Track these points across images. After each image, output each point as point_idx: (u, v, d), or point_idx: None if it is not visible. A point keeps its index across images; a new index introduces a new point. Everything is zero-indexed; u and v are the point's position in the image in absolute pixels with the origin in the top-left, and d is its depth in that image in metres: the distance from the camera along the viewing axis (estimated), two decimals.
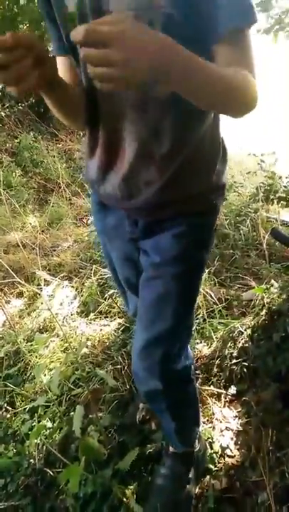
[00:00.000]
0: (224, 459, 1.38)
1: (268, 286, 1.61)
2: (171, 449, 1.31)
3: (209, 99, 0.69)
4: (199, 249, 0.97)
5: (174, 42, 0.57)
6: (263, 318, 1.47)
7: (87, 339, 1.90)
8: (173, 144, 0.82)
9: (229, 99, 0.71)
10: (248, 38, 0.75)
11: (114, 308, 2.08)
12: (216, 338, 1.76)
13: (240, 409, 1.48)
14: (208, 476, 1.34)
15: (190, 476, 1.27)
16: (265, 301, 1.50)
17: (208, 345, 1.80)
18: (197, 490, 1.30)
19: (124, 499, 1.26)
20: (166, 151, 0.82)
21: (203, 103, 0.69)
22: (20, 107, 5.80)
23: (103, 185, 0.94)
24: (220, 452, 1.40)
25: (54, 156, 4.37)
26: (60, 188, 3.83)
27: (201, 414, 1.51)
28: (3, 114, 5.34)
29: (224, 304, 2.04)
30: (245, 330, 1.57)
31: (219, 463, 1.38)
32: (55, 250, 2.87)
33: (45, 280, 2.37)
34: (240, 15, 0.72)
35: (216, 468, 1.36)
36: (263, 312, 1.48)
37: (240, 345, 1.56)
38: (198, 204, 0.92)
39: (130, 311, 1.30)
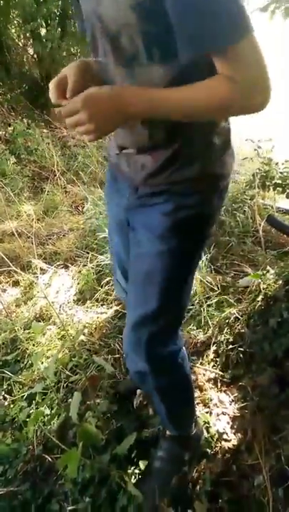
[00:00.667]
0: (221, 443, 1.40)
1: (264, 272, 1.61)
2: (167, 432, 1.33)
3: (174, 119, 0.79)
4: (185, 233, 0.96)
5: (129, 93, 0.77)
6: (259, 304, 1.47)
7: (84, 327, 1.90)
8: (165, 136, 0.88)
9: (193, 116, 0.80)
10: (236, 51, 0.71)
11: (110, 295, 2.08)
12: (212, 324, 1.76)
13: (236, 394, 1.49)
14: (204, 460, 1.35)
15: (186, 458, 1.30)
16: (262, 287, 1.50)
17: (204, 331, 1.81)
18: (194, 473, 1.32)
19: (123, 484, 1.27)
20: (158, 142, 0.89)
21: (171, 120, 0.80)
22: (13, 94, 5.72)
23: (115, 160, 1.06)
24: (216, 436, 1.42)
25: (49, 144, 4.32)
26: (55, 175, 3.80)
27: (197, 399, 1.53)
28: None
29: (220, 290, 2.05)
30: (241, 316, 1.58)
31: (216, 447, 1.39)
32: (50, 239, 2.86)
33: (41, 269, 2.36)
34: (209, 40, 0.70)
35: (212, 452, 1.38)
36: (259, 298, 1.48)
37: (237, 331, 1.57)
38: (187, 188, 0.93)
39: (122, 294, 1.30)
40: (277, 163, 2.89)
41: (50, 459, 1.44)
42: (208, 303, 1.94)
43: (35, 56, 6.08)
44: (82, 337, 1.71)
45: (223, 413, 1.48)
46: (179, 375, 1.16)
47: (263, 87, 0.74)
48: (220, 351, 1.61)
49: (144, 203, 0.99)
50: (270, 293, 1.47)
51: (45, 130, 4.84)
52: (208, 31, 0.69)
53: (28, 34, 5.87)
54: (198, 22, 0.69)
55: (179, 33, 0.72)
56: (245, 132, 3.28)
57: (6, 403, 1.72)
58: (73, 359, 1.65)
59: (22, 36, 6.18)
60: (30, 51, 6.24)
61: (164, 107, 0.77)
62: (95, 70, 0.89)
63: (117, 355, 1.70)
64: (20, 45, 6.35)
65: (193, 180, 0.92)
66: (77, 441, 1.33)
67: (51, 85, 0.83)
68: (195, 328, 1.79)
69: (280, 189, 2.86)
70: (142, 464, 1.34)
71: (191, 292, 1.10)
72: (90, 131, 0.76)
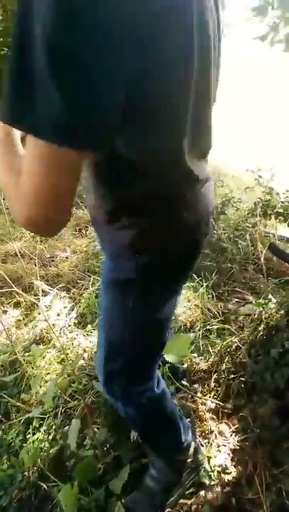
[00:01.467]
0: (221, 475, 1.37)
1: (266, 301, 1.61)
2: None
3: None
4: (122, 292, 0.92)
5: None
6: (261, 333, 1.47)
7: (84, 351, 1.89)
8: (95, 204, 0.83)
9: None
10: (38, 152, 0.50)
11: None
12: (214, 352, 1.75)
13: (237, 425, 1.47)
14: (203, 492, 1.32)
15: (177, 481, 1.31)
16: (263, 317, 1.51)
17: (205, 359, 1.80)
18: (193, 505, 1.29)
19: None
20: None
21: None
22: None
23: None
24: (216, 468, 1.39)
25: None
26: None
27: (197, 429, 1.51)
28: None
29: (221, 317, 2.05)
30: (242, 345, 1.57)
31: (216, 479, 1.37)
32: (53, 261, 2.87)
33: (42, 290, 2.36)
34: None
35: (212, 484, 1.35)
36: (261, 327, 1.48)
37: (238, 360, 1.56)
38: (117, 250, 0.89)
39: None
40: (278, 194, 2.94)
41: (46, 487, 1.41)
42: (208, 328, 1.93)
43: None
44: (81, 361, 1.70)
45: (223, 445, 1.45)
46: (143, 411, 1.13)
47: (29, 208, 0.55)
48: (221, 380, 1.60)
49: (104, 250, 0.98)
50: (271, 322, 1.47)
51: None
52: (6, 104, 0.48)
53: None
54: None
55: None
56: (245, 162, 3.34)
57: (3, 427, 1.69)
58: (72, 385, 1.63)
59: None
60: None
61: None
62: None
63: None
64: None
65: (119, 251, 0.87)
66: (75, 476, 1.31)
67: None
68: (196, 355, 1.78)
69: (282, 218, 2.90)
70: None
71: (158, 345, 1.05)
72: None
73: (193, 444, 1.36)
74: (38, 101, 0.45)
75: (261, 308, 1.57)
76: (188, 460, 1.34)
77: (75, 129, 0.47)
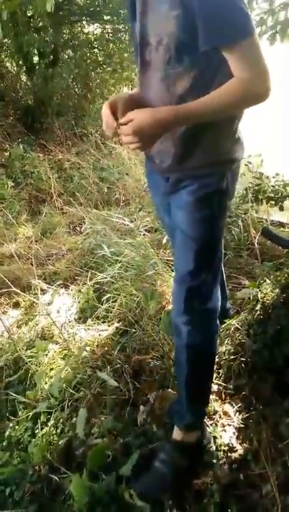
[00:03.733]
0: (227, 453, 1.40)
1: (261, 282, 1.64)
2: (174, 434, 1.36)
3: (207, 121, 1.06)
4: (207, 204, 1.18)
5: (167, 114, 1.01)
6: (258, 313, 1.50)
7: (86, 344, 1.92)
8: (184, 130, 1.10)
9: (222, 114, 1.06)
10: (243, 48, 0.95)
11: (111, 312, 2.10)
12: None
13: (240, 404, 1.50)
14: (212, 471, 1.35)
15: (186, 465, 1.33)
16: (259, 297, 1.53)
17: None
18: (202, 485, 1.31)
19: (131, 500, 1.27)
20: (178, 135, 1.11)
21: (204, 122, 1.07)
22: (8, 120, 5.85)
23: (150, 153, 1.26)
24: (223, 447, 1.42)
25: (45, 167, 4.40)
26: (52, 198, 3.86)
27: None
28: None
29: None
30: (241, 326, 1.60)
31: (222, 457, 1.39)
32: (49, 259, 2.89)
33: (41, 289, 2.38)
34: (219, 36, 0.95)
35: (219, 463, 1.38)
36: (258, 307, 1.51)
37: (237, 341, 1.59)
38: (205, 171, 1.16)
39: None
40: (268, 177, 2.96)
41: (57, 479, 1.44)
42: None
43: (28, 83, 6.25)
44: (85, 353, 1.72)
45: (228, 424, 1.48)
46: (210, 336, 1.31)
47: (267, 79, 0.98)
48: (222, 363, 1.62)
49: (175, 189, 1.22)
50: (268, 301, 1.49)
51: (40, 154, 4.94)
52: (226, 27, 0.94)
53: (20, 62, 6.05)
54: (218, 20, 0.93)
55: (201, 29, 0.94)
56: None
57: (11, 424, 1.72)
58: (77, 376, 1.66)
59: (15, 64, 6.35)
60: (24, 78, 6.42)
61: (196, 117, 1.03)
62: (135, 97, 1.17)
63: (119, 369, 1.71)
64: (13, 72, 6.53)
65: (210, 165, 1.16)
66: (86, 464, 1.34)
67: (104, 107, 1.13)
68: None
69: (273, 202, 2.92)
70: None
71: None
72: (138, 147, 1.05)
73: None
74: (248, 17, 0.94)
75: (257, 289, 1.59)
76: (196, 442, 1.37)
77: (253, 27, 0.96)
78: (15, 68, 6.41)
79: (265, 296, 1.53)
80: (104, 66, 6.65)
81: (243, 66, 0.97)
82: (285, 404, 1.37)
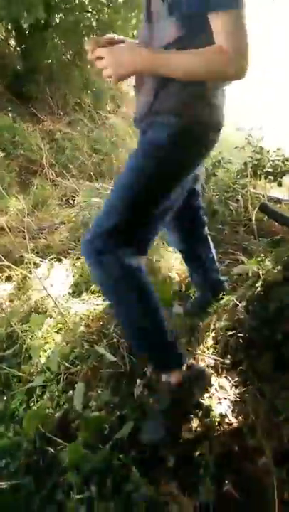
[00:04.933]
0: (223, 426, 1.42)
1: (263, 258, 1.63)
2: (163, 377, 1.40)
3: (172, 76, 1.10)
4: (149, 156, 1.22)
5: (140, 51, 1.11)
6: (259, 289, 1.49)
7: (81, 318, 1.90)
8: (155, 88, 1.19)
9: (192, 75, 1.08)
10: (229, 19, 0.99)
11: None
12: (211, 311, 1.78)
13: (236, 379, 1.51)
14: (207, 442, 1.37)
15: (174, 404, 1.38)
16: (260, 273, 1.53)
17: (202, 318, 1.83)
18: (198, 456, 1.33)
19: (126, 471, 1.28)
20: (151, 84, 1.20)
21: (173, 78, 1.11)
22: None
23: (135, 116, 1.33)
24: (218, 419, 1.44)
25: (35, 137, 4.28)
26: (43, 169, 3.77)
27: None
28: None
29: None
30: (240, 302, 1.60)
31: (218, 430, 1.41)
32: (42, 233, 2.85)
33: (34, 263, 2.35)
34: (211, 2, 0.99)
35: (215, 435, 1.40)
36: (259, 284, 1.50)
37: (236, 317, 1.59)
38: (163, 119, 1.20)
39: None
40: (268, 152, 2.92)
41: (52, 451, 1.45)
42: None
43: (17, 48, 6.01)
44: (81, 328, 1.71)
45: (224, 398, 1.49)
46: (123, 285, 1.23)
47: (244, 58, 1.02)
48: (219, 338, 1.63)
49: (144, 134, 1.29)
50: (269, 278, 1.49)
51: (31, 124, 4.79)
52: None
53: (9, 26, 5.79)
54: None
55: None
56: (236, 121, 3.29)
57: (5, 398, 1.72)
58: (74, 350, 1.65)
59: (3, 28, 6.08)
60: (13, 43, 6.16)
61: (164, 67, 1.08)
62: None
63: (117, 345, 1.71)
64: (2, 37, 6.26)
65: (168, 113, 1.19)
66: (81, 431, 1.35)
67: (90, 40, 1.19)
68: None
69: (272, 178, 2.89)
70: (143, 448, 1.35)
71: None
72: (110, 73, 1.11)
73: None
74: None
75: (258, 266, 1.58)
76: (177, 382, 1.38)
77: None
78: (3, 33, 6.14)
79: (266, 273, 1.52)
80: (98, 32, 6.40)
81: (223, 36, 1.00)
82: (282, 379, 1.38)
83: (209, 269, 1.80)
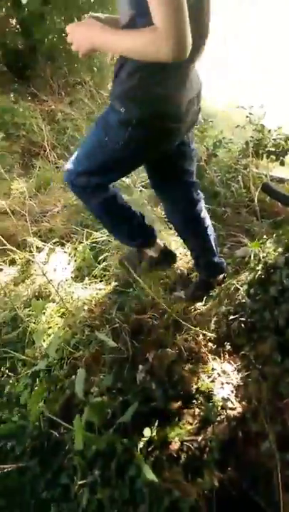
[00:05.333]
0: (226, 411, 1.39)
1: (264, 241, 1.57)
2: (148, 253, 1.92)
3: (118, 53, 1.22)
4: (102, 128, 1.38)
5: (97, 29, 1.15)
6: (259, 273, 1.43)
7: (84, 303, 1.86)
8: (115, 72, 1.29)
9: (130, 53, 1.11)
10: (166, 2, 0.94)
11: (108, 271, 2.03)
12: (212, 295, 1.73)
13: (239, 363, 1.48)
14: (210, 428, 1.35)
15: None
16: (261, 256, 1.46)
17: (204, 303, 1.79)
18: (201, 442, 1.31)
19: (130, 456, 1.26)
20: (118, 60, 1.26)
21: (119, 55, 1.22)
22: None
23: None
24: (221, 404, 1.41)
25: (37, 118, 4.14)
26: (45, 151, 3.66)
27: (200, 370, 1.50)
28: None
29: None
30: (241, 286, 1.54)
31: (221, 415, 1.39)
32: (45, 216, 2.78)
33: (36, 247, 2.29)
34: None
35: (218, 420, 1.37)
36: (260, 267, 1.44)
37: (237, 301, 1.54)
38: (118, 101, 1.29)
39: None
40: (269, 131, 2.80)
41: (57, 435, 1.43)
42: None
43: (17, 27, 5.76)
44: (82, 313, 1.67)
45: (226, 382, 1.46)
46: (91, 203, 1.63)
47: (179, 39, 0.97)
48: (221, 322, 1.58)
49: None
50: (270, 261, 1.43)
51: (32, 104, 4.64)
52: None
53: (9, 3, 5.53)
54: None
55: None
56: (236, 99, 3.15)
57: (11, 381, 1.70)
58: (75, 336, 1.62)
59: (3, 6, 5.82)
60: (13, 22, 5.91)
61: (109, 44, 1.16)
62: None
63: (119, 330, 1.67)
64: (2, 14, 6.00)
65: (121, 97, 1.27)
66: (84, 416, 1.32)
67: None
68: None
69: (274, 157, 2.79)
70: (146, 432, 1.33)
71: None
72: (74, 47, 1.23)
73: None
74: None
75: (259, 248, 1.52)
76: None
77: None
78: (3, 10, 5.87)
79: (267, 256, 1.46)
80: (96, 8, 6.11)
81: (157, 17, 0.97)
82: (285, 363, 1.34)
83: (207, 251, 1.75)
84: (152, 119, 1.28)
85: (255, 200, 2.52)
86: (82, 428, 1.21)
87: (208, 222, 1.75)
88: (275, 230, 2.30)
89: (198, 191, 1.70)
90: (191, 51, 1.02)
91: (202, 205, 1.71)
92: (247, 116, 2.92)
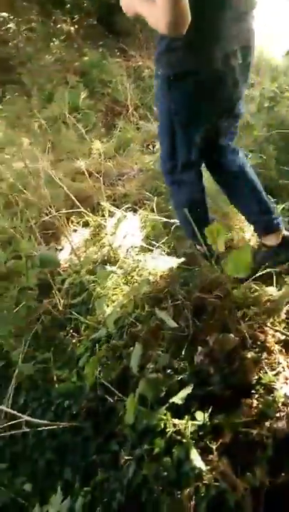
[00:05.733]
0: (287, 408, 1.30)
1: None
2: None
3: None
4: (161, 95, 1.44)
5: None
6: None
7: (150, 273, 1.83)
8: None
9: (150, 24, 1.19)
10: None
11: (178, 243, 1.96)
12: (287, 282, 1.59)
13: None
14: (268, 422, 1.27)
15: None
16: None
17: (278, 287, 1.65)
18: (256, 435, 1.24)
19: (179, 437, 1.24)
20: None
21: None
22: (89, 21, 5.37)
23: None
24: (283, 401, 1.31)
25: (122, 75, 4.04)
26: (128, 111, 3.58)
27: (264, 361, 1.41)
28: (72, 28, 5.00)
29: None
30: None
31: (281, 411, 1.30)
32: (120, 179, 2.75)
33: (109, 211, 2.29)
34: None
35: (277, 416, 1.28)
36: None
37: None
38: (158, 58, 1.37)
39: None
40: None
41: (111, 400, 1.46)
42: None
43: None
44: (146, 286, 1.63)
45: None
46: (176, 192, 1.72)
47: (171, 15, 1.03)
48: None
49: None
50: None
51: (119, 60, 4.53)
52: None
53: None
54: None
55: None
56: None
57: (74, 341, 1.76)
58: (136, 310, 1.60)
59: None
60: None
61: (139, 11, 1.25)
62: None
63: (180, 305, 1.61)
64: None
65: (157, 60, 1.37)
66: (139, 390, 1.32)
67: None
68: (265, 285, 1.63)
69: None
70: (198, 416, 1.29)
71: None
72: (123, 5, 1.40)
73: None
74: None
75: None
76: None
77: None
78: None
79: None
80: None
81: None
82: None
83: (259, 211, 1.71)
84: (183, 75, 1.34)
85: None
86: (135, 402, 1.21)
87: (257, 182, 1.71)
88: None
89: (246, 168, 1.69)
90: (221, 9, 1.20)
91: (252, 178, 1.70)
92: None
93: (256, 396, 1.34)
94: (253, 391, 1.35)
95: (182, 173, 1.61)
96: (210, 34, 1.27)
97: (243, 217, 1.88)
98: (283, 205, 2.01)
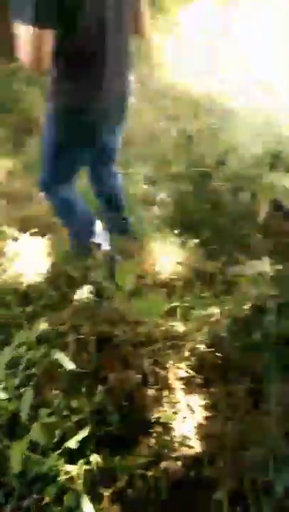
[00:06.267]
0: (182, 448, 1.36)
1: (260, 273, 1.51)
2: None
3: None
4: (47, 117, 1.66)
5: None
6: (246, 312, 1.39)
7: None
8: None
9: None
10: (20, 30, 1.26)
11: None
12: (192, 318, 1.69)
13: (207, 400, 1.44)
14: (163, 463, 1.32)
15: None
16: (252, 292, 1.41)
17: (183, 323, 1.73)
18: (151, 478, 1.27)
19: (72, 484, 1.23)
20: None
21: None
22: None
23: None
24: (180, 440, 1.38)
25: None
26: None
27: (164, 398, 1.46)
28: None
29: (207, 278, 1.96)
30: (225, 317, 1.50)
31: (177, 452, 1.36)
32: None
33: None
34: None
35: (173, 456, 1.34)
36: (247, 306, 1.39)
37: (216, 332, 1.49)
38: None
39: None
40: None
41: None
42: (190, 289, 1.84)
43: None
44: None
45: (190, 417, 1.43)
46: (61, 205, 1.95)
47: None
48: (195, 351, 1.54)
49: None
50: (259, 303, 1.37)
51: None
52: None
53: None
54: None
55: None
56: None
57: None
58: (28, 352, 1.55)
59: None
60: None
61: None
62: None
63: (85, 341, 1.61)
64: None
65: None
66: (29, 435, 1.28)
67: None
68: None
69: None
70: (94, 459, 1.29)
71: None
72: None
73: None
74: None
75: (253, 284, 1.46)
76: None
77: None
78: None
79: (259, 294, 1.40)
80: None
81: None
82: (253, 412, 1.30)
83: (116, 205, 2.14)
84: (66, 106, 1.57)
85: (262, 216, 2.46)
86: (23, 449, 1.18)
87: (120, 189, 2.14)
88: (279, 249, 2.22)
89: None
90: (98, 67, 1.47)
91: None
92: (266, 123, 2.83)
93: (154, 435, 1.39)
94: (151, 430, 1.40)
95: (61, 191, 1.86)
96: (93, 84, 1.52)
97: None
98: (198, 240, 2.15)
